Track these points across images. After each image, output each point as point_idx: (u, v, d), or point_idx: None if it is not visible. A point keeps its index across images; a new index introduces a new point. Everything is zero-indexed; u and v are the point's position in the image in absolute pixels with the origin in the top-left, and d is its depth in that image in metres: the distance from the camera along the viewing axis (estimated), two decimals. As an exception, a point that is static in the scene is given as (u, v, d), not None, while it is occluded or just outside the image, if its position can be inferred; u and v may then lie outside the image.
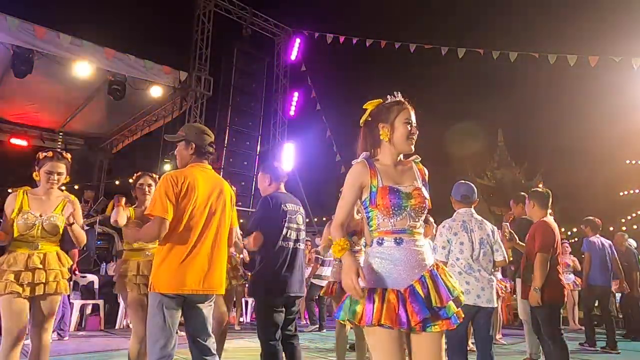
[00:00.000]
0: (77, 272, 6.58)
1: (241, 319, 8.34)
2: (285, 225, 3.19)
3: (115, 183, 13.95)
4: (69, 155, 3.07)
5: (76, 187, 11.84)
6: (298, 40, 12.73)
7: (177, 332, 2.46)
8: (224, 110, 11.40)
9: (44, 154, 2.99)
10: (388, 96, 1.98)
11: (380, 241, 1.84)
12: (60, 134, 12.58)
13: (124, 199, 3.27)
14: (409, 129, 1.91)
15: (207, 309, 2.52)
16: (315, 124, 13.15)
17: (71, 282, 6.36)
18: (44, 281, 2.80)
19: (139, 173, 3.50)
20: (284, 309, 3.14)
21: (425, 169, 2.04)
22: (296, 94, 13.20)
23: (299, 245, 3.29)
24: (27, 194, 2.93)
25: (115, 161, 13.37)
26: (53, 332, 5.72)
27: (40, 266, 2.81)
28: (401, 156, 1.98)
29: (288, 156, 12.57)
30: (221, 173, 10.49)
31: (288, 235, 3.20)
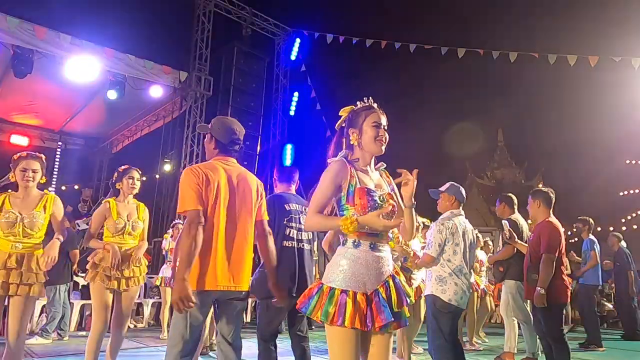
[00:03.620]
0: (78, 273, 6.59)
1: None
2: (286, 224, 3.16)
3: (115, 183, 13.95)
4: (43, 156, 3.10)
5: (76, 187, 11.86)
6: (298, 40, 12.72)
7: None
8: (224, 110, 11.37)
9: (19, 154, 3.04)
10: (358, 102, 2.04)
11: (357, 243, 1.87)
12: (60, 134, 12.59)
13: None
14: (377, 131, 1.96)
15: (239, 306, 2.46)
16: (315, 124, 13.15)
17: (71, 282, 6.37)
18: (17, 282, 2.80)
19: (126, 166, 3.55)
20: (286, 310, 3.08)
21: (390, 177, 2.09)
22: (296, 94, 13.21)
23: (304, 245, 3.23)
24: (8, 197, 2.96)
25: (115, 161, 13.36)
26: (53, 332, 5.74)
27: (16, 266, 2.81)
28: (373, 161, 2.02)
29: (288, 156, 12.58)
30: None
31: (290, 235, 3.16)
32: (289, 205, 3.23)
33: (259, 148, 12.25)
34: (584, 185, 25.71)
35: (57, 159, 12.81)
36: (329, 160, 1.98)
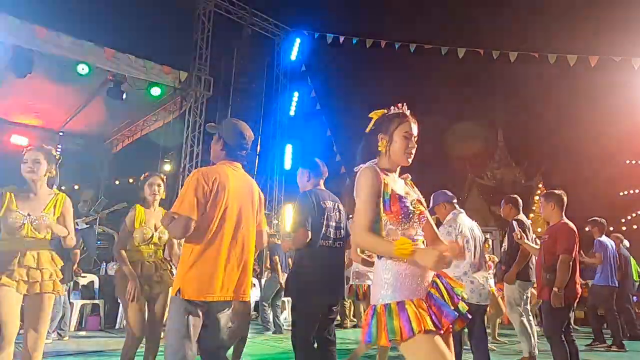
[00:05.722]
0: (78, 273, 6.59)
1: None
2: (325, 222, 3.09)
3: (115, 183, 13.94)
4: (52, 149, 2.97)
5: (76, 187, 11.85)
6: (298, 40, 12.72)
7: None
8: (224, 110, 11.39)
9: (26, 149, 2.93)
10: (392, 107, 1.95)
11: None
12: (60, 134, 12.58)
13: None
14: (407, 142, 1.88)
15: (227, 317, 2.41)
16: (315, 124, 13.15)
17: (71, 282, 6.37)
18: (39, 280, 2.73)
19: (147, 173, 3.45)
20: (321, 311, 3.03)
21: (414, 185, 2.04)
22: (296, 94, 13.20)
23: (339, 244, 3.17)
24: (13, 193, 2.82)
25: (115, 161, 13.36)
26: (53, 332, 5.73)
27: (35, 265, 2.74)
28: (398, 171, 1.97)
29: (288, 156, 12.58)
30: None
31: (328, 234, 3.10)
32: (324, 203, 3.15)
33: (259, 148, 12.25)
34: (584, 185, 25.69)
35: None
36: (355, 169, 1.89)
